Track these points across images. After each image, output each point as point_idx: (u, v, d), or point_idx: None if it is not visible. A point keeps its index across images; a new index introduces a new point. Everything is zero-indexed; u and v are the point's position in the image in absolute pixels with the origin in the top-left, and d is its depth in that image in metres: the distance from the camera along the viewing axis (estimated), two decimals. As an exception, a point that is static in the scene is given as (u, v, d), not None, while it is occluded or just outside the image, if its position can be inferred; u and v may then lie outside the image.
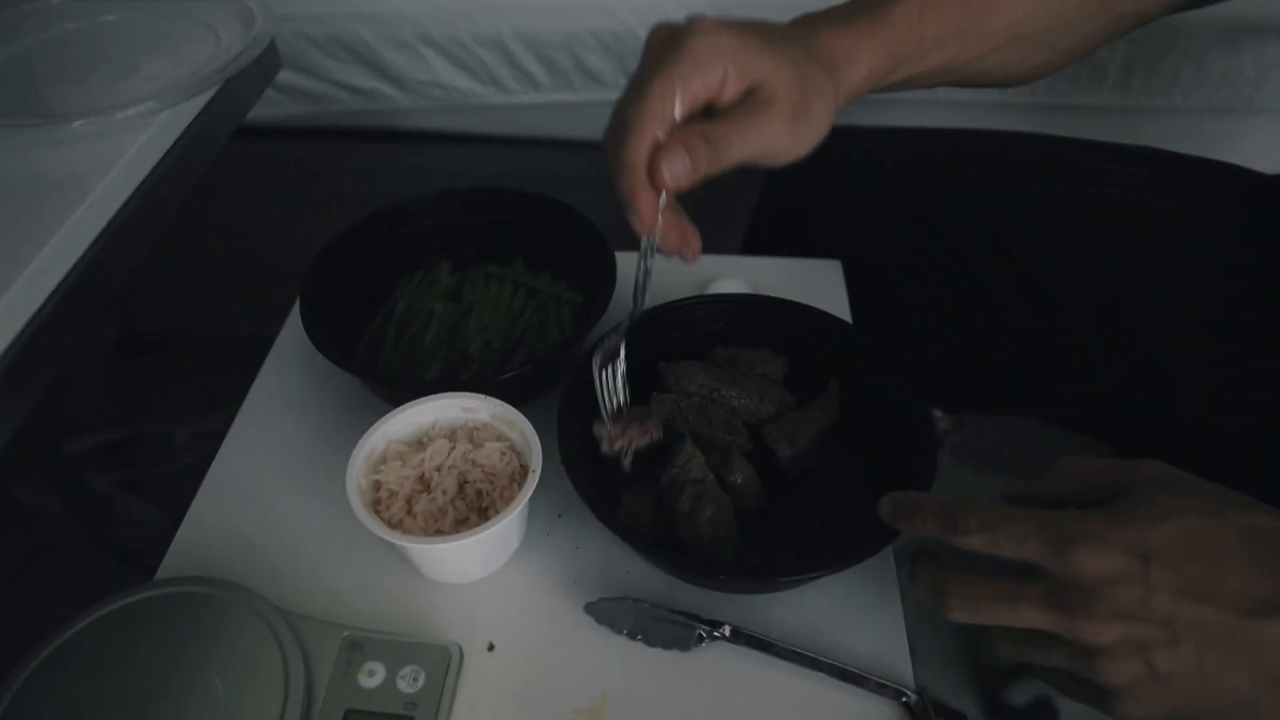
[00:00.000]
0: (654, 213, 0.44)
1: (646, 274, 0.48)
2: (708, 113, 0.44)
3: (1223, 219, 0.65)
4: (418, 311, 0.67)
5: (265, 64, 0.63)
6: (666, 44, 0.44)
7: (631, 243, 0.68)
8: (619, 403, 0.52)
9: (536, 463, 0.49)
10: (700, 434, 0.56)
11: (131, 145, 0.50)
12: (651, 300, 0.61)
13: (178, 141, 0.54)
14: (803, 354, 0.61)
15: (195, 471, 0.57)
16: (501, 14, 0.98)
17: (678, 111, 0.43)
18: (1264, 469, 0.55)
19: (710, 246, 0.73)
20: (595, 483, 0.51)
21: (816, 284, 0.71)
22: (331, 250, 0.65)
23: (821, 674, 0.47)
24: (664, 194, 0.44)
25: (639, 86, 0.43)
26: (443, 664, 0.46)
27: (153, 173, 0.52)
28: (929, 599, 0.41)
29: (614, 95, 1.10)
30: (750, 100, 0.44)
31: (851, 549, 0.46)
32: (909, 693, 0.46)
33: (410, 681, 0.45)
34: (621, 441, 0.52)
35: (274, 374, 0.66)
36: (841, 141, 0.75)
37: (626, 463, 0.52)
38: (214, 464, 0.59)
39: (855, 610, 0.50)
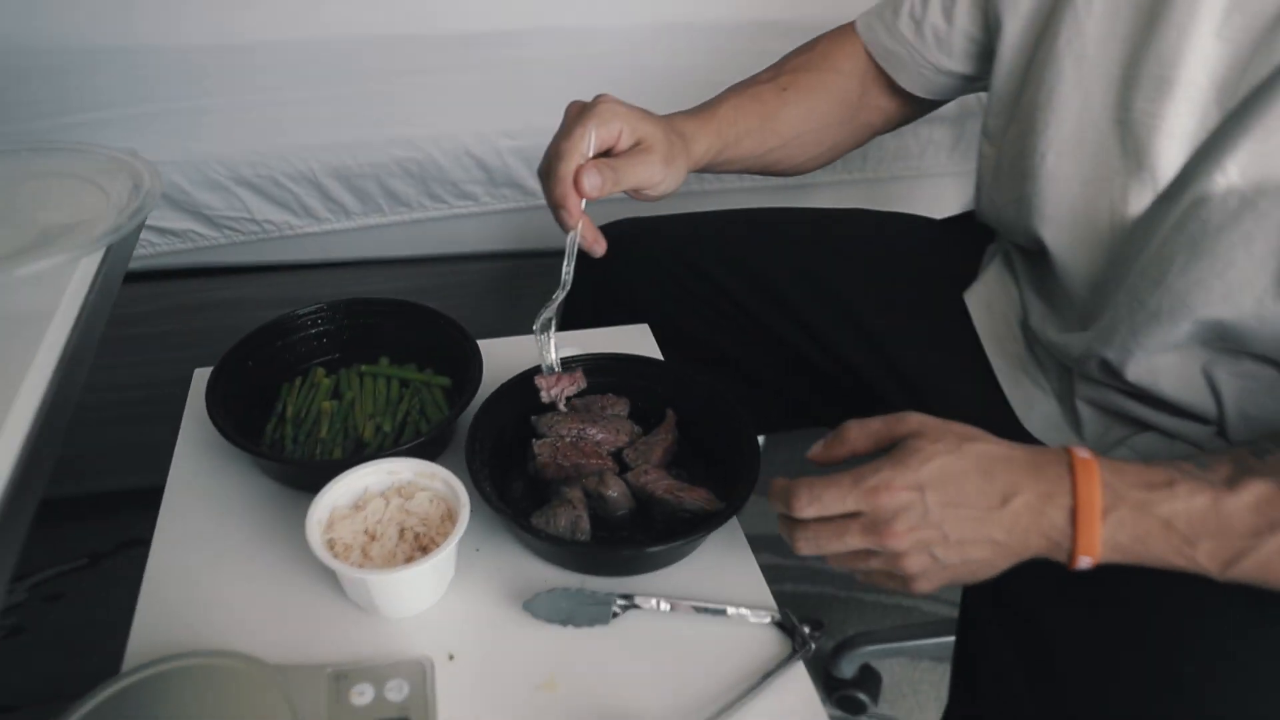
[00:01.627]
0: (579, 211, 0.68)
1: (571, 259, 0.70)
2: (607, 155, 0.69)
3: (918, 251, 0.91)
4: (307, 412, 0.76)
5: (142, 215, 0.71)
6: (583, 109, 0.69)
7: (483, 331, 0.82)
8: (551, 362, 0.72)
9: (465, 498, 0.60)
10: (578, 464, 0.70)
11: (66, 287, 0.58)
12: (508, 373, 0.75)
13: (92, 285, 0.62)
14: (640, 394, 0.78)
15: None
16: (313, 152, 1.09)
17: (591, 150, 0.66)
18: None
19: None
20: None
21: (633, 344, 0.87)
22: (222, 366, 0.74)
23: (709, 616, 0.61)
24: (583, 201, 0.67)
25: (567, 132, 0.67)
26: (420, 674, 0.56)
27: (81, 313, 0.59)
28: (786, 540, 0.57)
29: (419, 215, 1.24)
30: (637, 148, 0.69)
31: (700, 525, 0.64)
32: (774, 612, 0.62)
33: (397, 692, 0.55)
34: (556, 389, 0.71)
35: (181, 487, 0.72)
36: (633, 228, 0.94)
37: (562, 405, 0.72)
38: (147, 571, 0.65)
39: (722, 568, 0.66)
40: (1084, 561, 0.53)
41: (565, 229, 0.69)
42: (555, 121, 1.16)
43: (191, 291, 1.19)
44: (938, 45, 0.83)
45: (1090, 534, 0.53)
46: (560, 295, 0.71)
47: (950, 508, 0.53)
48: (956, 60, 0.83)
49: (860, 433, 0.59)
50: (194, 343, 1.18)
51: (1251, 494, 0.52)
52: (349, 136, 1.10)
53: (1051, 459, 0.55)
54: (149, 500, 1.18)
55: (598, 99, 0.69)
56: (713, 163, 0.80)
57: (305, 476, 0.68)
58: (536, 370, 0.74)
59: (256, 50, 1.05)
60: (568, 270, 0.71)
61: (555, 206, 0.68)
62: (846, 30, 0.89)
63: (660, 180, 0.71)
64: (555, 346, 0.73)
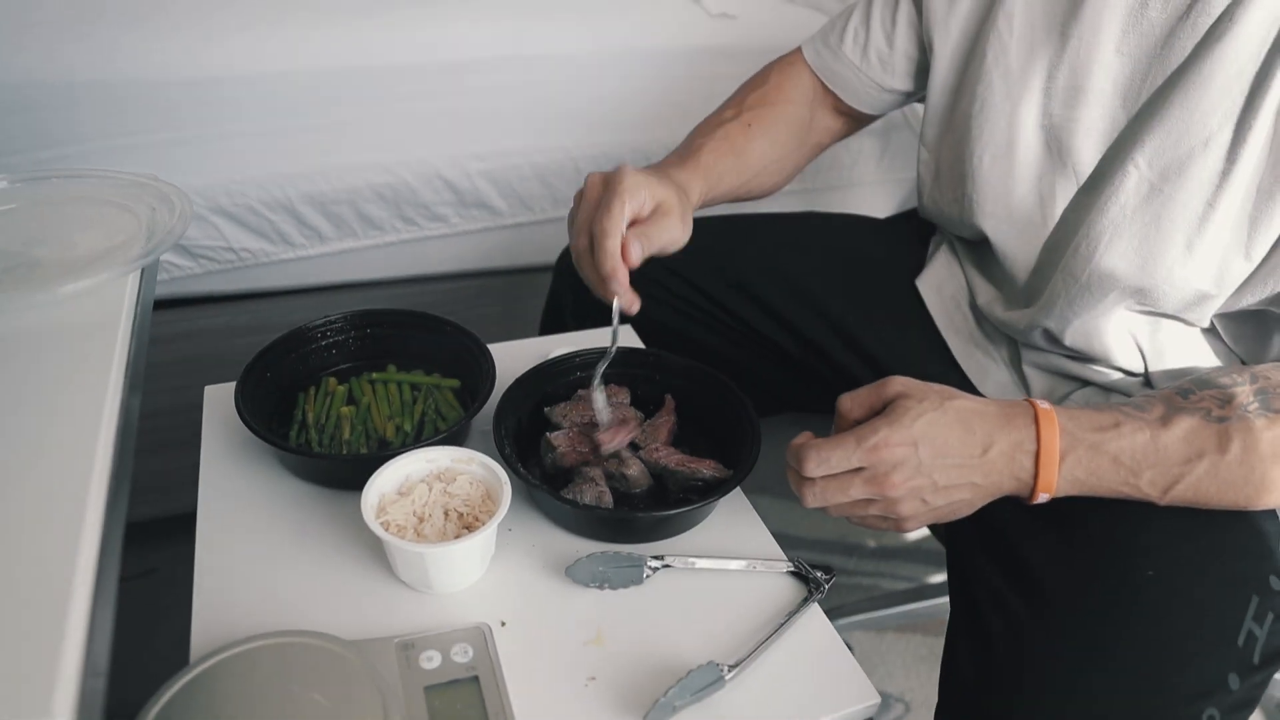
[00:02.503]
0: (628, 280, 0.71)
1: (617, 321, 0.74)
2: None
3: (870, 245, 1.00)
4: (328, 418, 0.80)
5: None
6: (607, 181, 0.72)
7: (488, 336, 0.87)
8: (608, 418, 0.76)
9: (505, 477, 0.66)
10: (592, 450, 0.76)
11: (122, 299, 0.61)
12: (507, 372, 0.81)
13: (138, 300, 0.65)
14: (638, 383, 0.84)
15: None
16: (289, 179, 1.13)
17: (626, 220, 0.71)
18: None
19: (523, 334, 0.95)
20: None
21: (619, 343, 0.94)
22: (245, 378, 0.77)
23: (732, 570, 0.68)
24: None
25: (607, 208, 0.70)
26: (481, 638, 0.61)
27: (134, 328, 0.63)
28: (796, 493, 0.65)
29: (391, 238, 1.28)
30: (657, 212, 0.73)
31: (715, 489, 0.71)
32: (787, 562, 0.69)
33: (462, 655, 0.60)
34: (616, 441, 0.74)
35: (213, 495, 0.74)
36: None
37: (623, 452, 0.75)
38: (196, 573, 0.67)
39: (734, 529, 0.73)
40: (1042, 497, 0.63)
41: (609, 296, 0.73)
42: (520, 144, 1.23)
43: (168, 323, 1.20)
44: (882, 67, 0.93)
45: (1049, 475, 0.62)
46: (611, 354, 0.77)
47: (939, 458, 0.62)
48: (899, 79, 0.93)
49: (853, 403, 0.67)
50: (169, 374, 1.19)
51: (1181, 428, 0.62)
52: (325, 163, 1.14)
53: (1019, 411, 0.64)
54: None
55: (619, 171, 0.72)
56: (705, 202, 0.88)
57: (343, 472, 0.73)
58: (546, 367, 0.81)
59: (231, 82, 1.09)
60: (616, 331, 0.76)
61: (606, 278, 0.71)
62: (792, 60, 0.99)
63: (680, 237, 0.76)
64: (605, 404, 0.77)
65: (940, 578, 1.48)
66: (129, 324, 0.62)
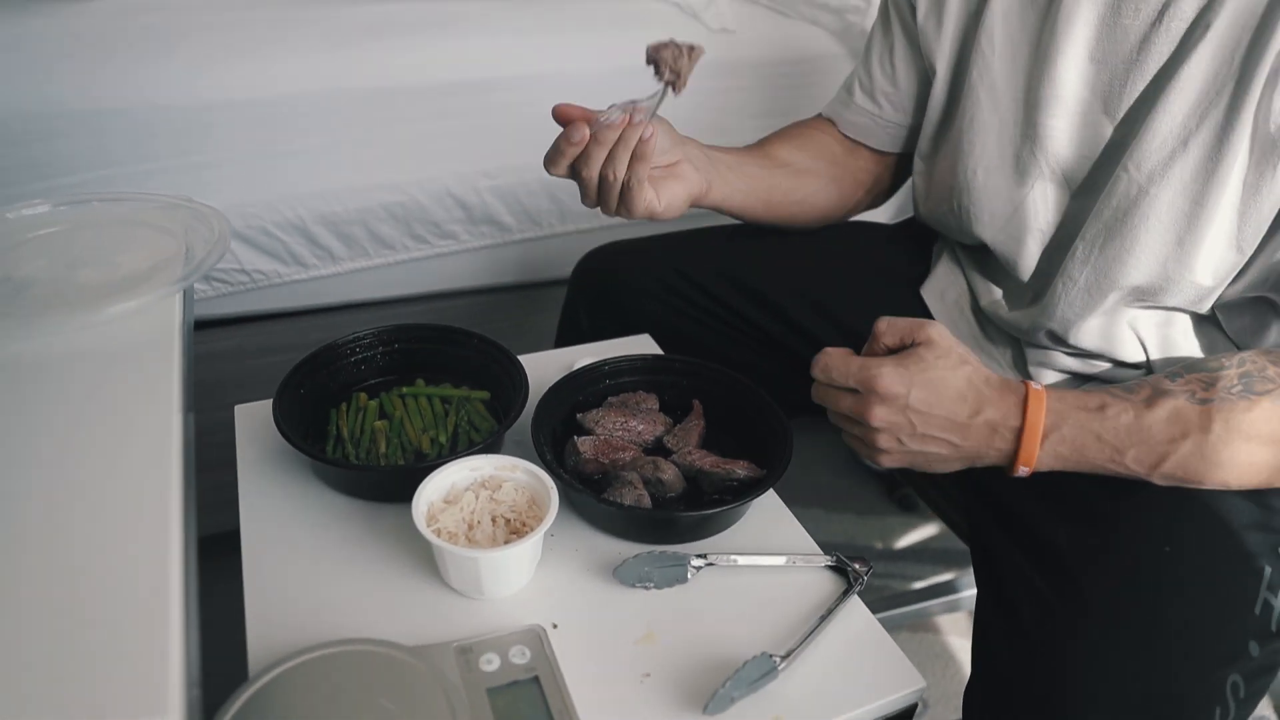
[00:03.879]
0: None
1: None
2: None
3: (875, 251, 1.03)
4: (362, 432, 0.81)
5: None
6: None
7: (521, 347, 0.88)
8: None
9: (551, 482, 0.67)
10: (614, 459, 0.77)
11: (173, 318, 0.62)
12: (540, 383, 0.82)
13: (184, 319, 0.66)
14: (667, 388, 0.86)
15: None
16: (302, 200, 1.14)
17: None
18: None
19: (536, 347, 0.96)
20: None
21: (639, 351, 0.96)
22: (280, 394, 0.78)
23: (770, 566, 0.70)
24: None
25: None
26: (538, 639, 0.62)
27: (184, 347, 0.64)
28: (815, 399, 0.71)
29: (402, 256, 1.29)
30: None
31: (751, 489, 0.73)
32: (825, 556, 0.71)
33: (520, 656, 0.61)
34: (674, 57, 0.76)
35: (254, 513, 0.75)
36: (626, 248, 1.03)
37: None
38: (245, 589, 0.68)
39: (770, 527, 0.75)
40: (1022, 470, 0.68)
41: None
42: (529, 160, 1.25)
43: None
44: (893, 107, 0.96)
45: (1030, 450, 0.67)
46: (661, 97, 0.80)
47: (925, 407, 0.67)
48: (913, 114, 0.96)
49: (889, 328, 0.71)
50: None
51: (1165, 409, 0.66)
52: (336, 183, 1.15)
53: (1013, 389, 0.69)
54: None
55: None
56: (712, 156, 0.90)
57: (386, 484, 0.74)
58: (578, 375, 0.82)
59: (239, 106, 1.10)
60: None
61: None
62: (814, 117, 1.04)
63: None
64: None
65: (949, 576, 1.50)
66: (181, 342, 0.63)
